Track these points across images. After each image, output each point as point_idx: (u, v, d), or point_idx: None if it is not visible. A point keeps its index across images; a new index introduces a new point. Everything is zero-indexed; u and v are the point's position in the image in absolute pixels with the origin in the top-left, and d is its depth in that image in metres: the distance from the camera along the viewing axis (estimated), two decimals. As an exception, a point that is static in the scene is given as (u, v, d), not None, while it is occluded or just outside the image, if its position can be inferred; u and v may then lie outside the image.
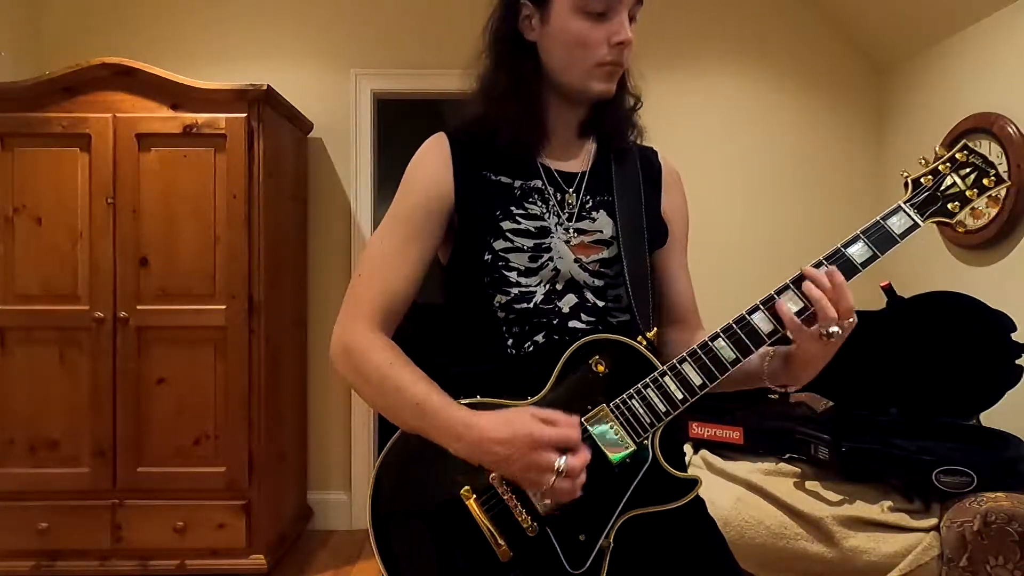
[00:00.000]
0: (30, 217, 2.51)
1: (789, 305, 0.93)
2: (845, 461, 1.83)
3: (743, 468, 1.97)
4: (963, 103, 2.53)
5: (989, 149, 2.34)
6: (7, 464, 2.50)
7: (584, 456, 0.88)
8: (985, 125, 2.37)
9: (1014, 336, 1.91)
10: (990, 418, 2.05)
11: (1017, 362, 1.91)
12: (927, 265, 2.73)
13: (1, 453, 2.51)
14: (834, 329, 0.90)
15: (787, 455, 1.97)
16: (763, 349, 0.96)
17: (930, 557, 1.68)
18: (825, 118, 3.20)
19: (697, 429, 2.12)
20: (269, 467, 2.62)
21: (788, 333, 0.94)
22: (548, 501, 0.92)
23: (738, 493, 1.91)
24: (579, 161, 1.11)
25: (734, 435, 2.05)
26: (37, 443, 2.51)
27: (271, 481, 2.64)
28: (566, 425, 0.89)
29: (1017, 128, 2.26)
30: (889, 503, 1.80)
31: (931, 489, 1.75)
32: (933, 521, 1.74)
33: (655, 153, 1.18)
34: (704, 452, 2.12)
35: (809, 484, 1.88)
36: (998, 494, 1.68)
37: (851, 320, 0.91)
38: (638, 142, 1.16)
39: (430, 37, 3.14)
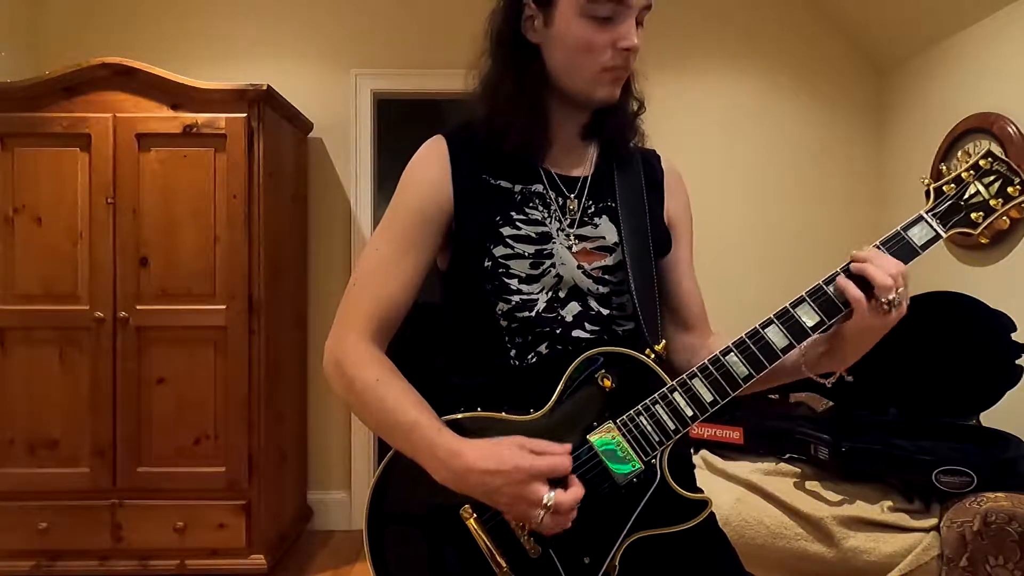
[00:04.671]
0: (30, 217, 2.51)
1: (805, 320, 0.91)
2: (845, 461, 1.83)
3: (743, 468, 1.97)
4: (963, 103, 2.53)
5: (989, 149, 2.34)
6: (7, 464, 2.50)
7: (575, 492, 0.84)
8: (985, 125, 2.37)
9: (1014, 336, 1.91)
10: (990, 418, 2.05)
11: (1017, 362, 1.91)
12: (927, 265, 2.72)
13: (1, 453, 2.51)
14: (892, 296, 0.86)
15: (787, 455, 1.96)
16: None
17: (930, 557, 1.68)
18: (825, 118, 3.20)
19: (697, 429, 2.11)
20: (269, 467, 2.62)
21: (843, 319, 0.90)
22: (531, 539, 0.89)
23: (738, 493, 1.91)
24: (581, 166, 1.07)
25: (734, 435, 2.05)
26: (37, 443, 2.51)
27: (271, 481, 2.64)
28: (556, 453, 0.85)
29: (1017, 128, 2.25)
30: (889, 503, 1.80)
31: (931, 489, 1.75)
32: (933, 521, 1.74)
33: (657, 157, 1.15)
34: (704, 452, 2.12)
35: (809, 484, 1.88)
36: (998, 494, 1.68)
37: (906, 287, 0.88)
38: (640, 145, 1.13)
39: (430, 37, 3.14)
